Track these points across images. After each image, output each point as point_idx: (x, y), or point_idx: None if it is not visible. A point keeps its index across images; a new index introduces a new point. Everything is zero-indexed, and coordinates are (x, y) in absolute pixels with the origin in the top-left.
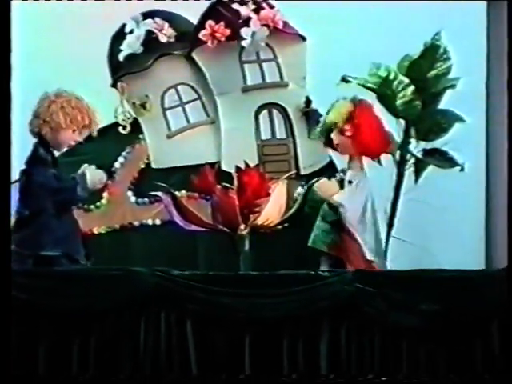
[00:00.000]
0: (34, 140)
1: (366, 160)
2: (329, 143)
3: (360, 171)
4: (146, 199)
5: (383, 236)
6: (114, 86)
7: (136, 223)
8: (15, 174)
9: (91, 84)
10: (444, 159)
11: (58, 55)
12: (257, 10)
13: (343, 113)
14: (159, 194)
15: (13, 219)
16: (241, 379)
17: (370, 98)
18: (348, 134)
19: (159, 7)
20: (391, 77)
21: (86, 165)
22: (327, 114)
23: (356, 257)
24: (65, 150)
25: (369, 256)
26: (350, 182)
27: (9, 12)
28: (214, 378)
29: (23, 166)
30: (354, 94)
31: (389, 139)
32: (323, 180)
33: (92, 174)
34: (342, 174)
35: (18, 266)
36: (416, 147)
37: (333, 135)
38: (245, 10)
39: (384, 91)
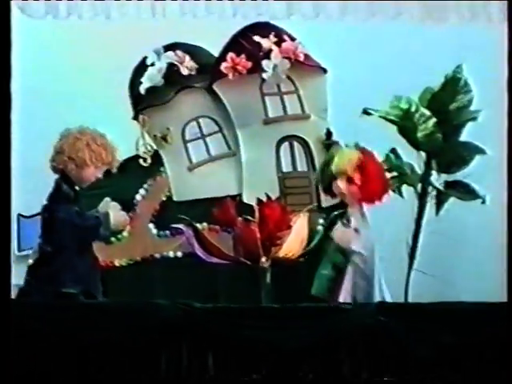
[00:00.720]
0: (56, 176)
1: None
2: (329, 190)
3: (364, 218)
4: (168, 231)
5: (405, 268)
6: (135, 118)
7: (157, 255)
8: (15, 175)
9: (112, 117)
10: (465, 191)
11: (78, 88)
12: (278, 43)
13: (353, 161)
14: (181, 226)
15: (35, 255)
16: None
17: (392, 131)
18: (357, 182)
19: (180, 40)
20: (413, 109)
21: (107, 199)
22: (330, 160)
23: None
24: (86, 185)
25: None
26: (357, 230)
27: (9, 12)
28: None
29: (45, 202)
30: (375, 126)
31: (389, 184)
32: (339, 227)
33: (116, 215)
34: (346, 222)
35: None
36: (437, 179)
37: (339, 183)
38: (266, 43)
39: (405, 123)
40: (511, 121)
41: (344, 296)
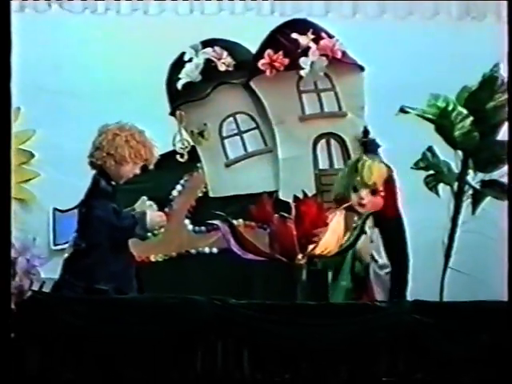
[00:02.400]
0: (94, 172)
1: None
2: (340, 201)
3: (376, 230)
4: (204, 227)
5: (441, 267)
6: (172, 114)
7: (193, 251)
8: (51, 169)
9: (150, 112)
10: (502, 191)
11: (116, 84)
12: (316, 40)
13: (383, 176)
14: (216, 222)
15: (70, 249)
16: None
17: (429, 129)
18: (382, 194)
19: (218, 36)
20: (450, 108)
21: (144, 198)
22: (355, 171)
23: None
24: (124, 181)
25: None
26: (372, 240)
27: (9, 12)
28: None
29: (83, 197)
30: (412, 124)
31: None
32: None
33: (152, 216)
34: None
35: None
36: (474, 178)
37: (363, 194)
38: (304, 40)
39: (442, 122)
40: (511, 121)
41: None
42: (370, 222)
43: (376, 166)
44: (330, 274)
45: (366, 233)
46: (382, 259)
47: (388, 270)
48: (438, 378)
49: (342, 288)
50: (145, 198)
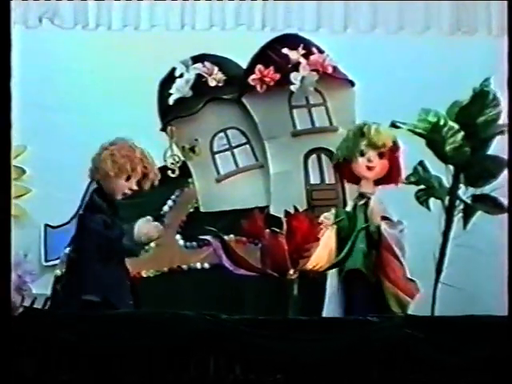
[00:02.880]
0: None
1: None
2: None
3: (377, 198)
4: (195, 243)
5: (432, 281)
6: (163, 129)
7: (184, 267)
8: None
9: (140, 128)
10: (493, 205)
11: (105, 99)
12: (306, 55)
13: (391, 138)
14: (208, 237)
15: (62, 265)
16: None
17: (420, 144)
18: (388, 157)
19: (209, 51)
20: (441, 123)
21: (149, 217)
22: (361, 133)
23: (396, 275)
24: (120, 197)
25: (409, 275)
26: (381, 202)
27: (9, 12)
28: None
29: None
30: (403, 139)
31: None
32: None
33: (140, 227)
34: (368, 201)
35: (64, 309)
36: (465, 193)
37: (371, 156)
38: (294, 55)
39: (433, 137)
40: (511, 120)
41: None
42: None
43: (382, 127)
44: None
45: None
46: (394, 218)
47: (401, 227)
48: None
49: (359, 250)
50: (149, 217)
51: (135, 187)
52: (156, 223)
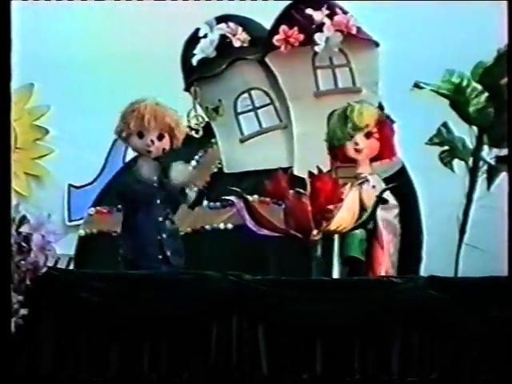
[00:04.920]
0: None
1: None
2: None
3: (376, 176)
4: (218, 203)
5: (455, 243)
6: (187, 89)
7: (208, 227)
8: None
9: (164, 87)
10: None
11: (130, 59)
12: (330, 16)
13: (374, 116)
14: (231, 198)
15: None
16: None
17: (443, 105)
18: (376, 136)
19: (233, 12)
20: (464, 84)
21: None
22: (347, 116)
23: (380, 266)
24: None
25: (390, 268)
26: (374, 186)
27: (9, 12)
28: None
29: None
30: (427, 100)
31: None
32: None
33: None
34: (365, 183)
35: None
36: (489, 154)
37: (358, 139)
38: (318, 16)
39: (457, 98)
40: (511, 121)
41: (382, 255)
42: (368, 169)
43: (365, 107)
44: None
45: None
46: (388, 202)
47: (396, 211)
48: (452, 353)
49: (356, 237)
50: (174, 163)
51: (155, 145)
52: (179, 166)
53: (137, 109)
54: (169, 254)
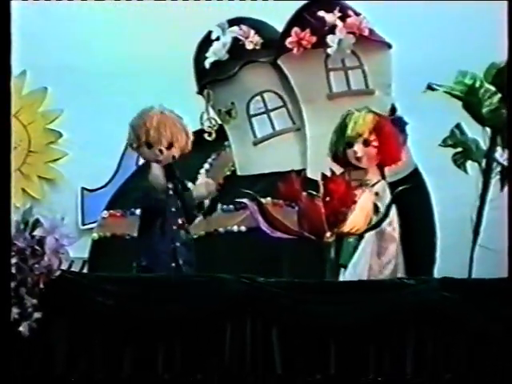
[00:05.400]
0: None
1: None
2: (340, 158)
3: (382, 182)
4: (232, 206)
5: (469, 244)
6: (199, 92)
7: (221, 230)
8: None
9: (177, 91)
10: None
11: (143, 62)
12: (343, 18)
13: (368, 123)
14: (245, 200)
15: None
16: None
17: (456, 106)
18: (374, 144)
19: (245, 14)
20: (477, 85)
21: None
22: (344, 126)
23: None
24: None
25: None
26: (377, 193)
27: (9, 12)
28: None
29: None
30: (440, 102)
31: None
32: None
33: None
34: (370, 188)
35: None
36: (502, 155)
37: (356, 147)
38: (331, 18)
39: (470, 99)
40: (511, 121)
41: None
42: (377, 175)
43: (361, 116)
44: None
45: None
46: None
47: (389, 220)
48: (465, 354)
49: (350, 244)
50: (203, 176)
51: (164, 154)
52: (207, 179)
53: (144, 121)
54: (181, 262)
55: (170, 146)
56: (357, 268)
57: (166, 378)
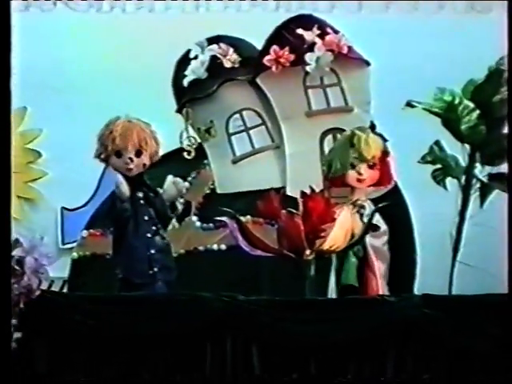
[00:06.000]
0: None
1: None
2: (332, 177)
3: (368, 202)
4: (211, 224)
5: (449, 260)
6: (179, 111)
7: (201, 248)
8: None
9: (156, 110)
10: (510, 183)
11: (122, 81)
12: (321, 35)
13: (380, 148)
14: (224, 219)
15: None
16: None
17: (435, 123)
18: (378, 167)
19: (223, 33)
20: (456, 101)
21: (169, 176)
22: (351, 145)
23: (372, 291)
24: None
25: (381, 291)
26: (368, 215)
27: (9, 12)
28: None
29: None
30: (419, 119)
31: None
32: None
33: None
34: (362, 210)
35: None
36: (481, 172)
37: (362, 169)
38: (309, 35)
39: (449, 116)
40: (511, 120)
41: (376, 283)
42: (363, 195)
43: (371, 138)
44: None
45: (375, 228)
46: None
47: (386, 238)
48: (447, 372)
49: (352, 264)
50: (170, 176)
51: (134, 162)
52: (175, 179)
53: (110, 130)
54: (156, 269)
55: (139, 154)
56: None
57: None
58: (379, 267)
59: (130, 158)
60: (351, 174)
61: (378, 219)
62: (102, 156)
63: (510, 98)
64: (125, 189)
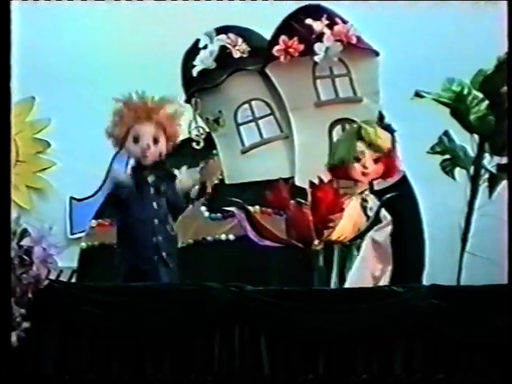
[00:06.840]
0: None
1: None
2: (336, 169)
3: (372, 196)
4: (220, 214)
5: (457, 251)
6: (187, 101)
7: (209, 238)
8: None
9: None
10: None
11: (130, 71)
12: (330, 25)
13: (389, 140)
14: (233, 209)
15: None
16: None
17: (444, 114)
18: (384, 161)
19: (233, 23)
20: (465, 92)
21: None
22: (359, 137)
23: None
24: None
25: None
26: (371, 208)
27: (9, 12)
28: None
29: None
30: (428, 109)
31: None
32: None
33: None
34: (365, 203)
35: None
36: (490, 162)
37: (367, 162)
38: (318, 25)
39: (458, 106)
40: (511, 120)
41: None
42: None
43: (379, 131)
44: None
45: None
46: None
47: (389, 229)
48: (454, 362)
49: (355, 258)
50: (184, 167)
51: (151, 150)
52: (190, 169)
53: (127, 104)
54: (164, 255)
55: (155, 141)
56: (359, 277)
57: None
58: (376, 268)
59: (148, 145)
60: (356, 168)
61: (383, 213)
62: (116, 132)
63: (509, 97)
64: (122, 176)
